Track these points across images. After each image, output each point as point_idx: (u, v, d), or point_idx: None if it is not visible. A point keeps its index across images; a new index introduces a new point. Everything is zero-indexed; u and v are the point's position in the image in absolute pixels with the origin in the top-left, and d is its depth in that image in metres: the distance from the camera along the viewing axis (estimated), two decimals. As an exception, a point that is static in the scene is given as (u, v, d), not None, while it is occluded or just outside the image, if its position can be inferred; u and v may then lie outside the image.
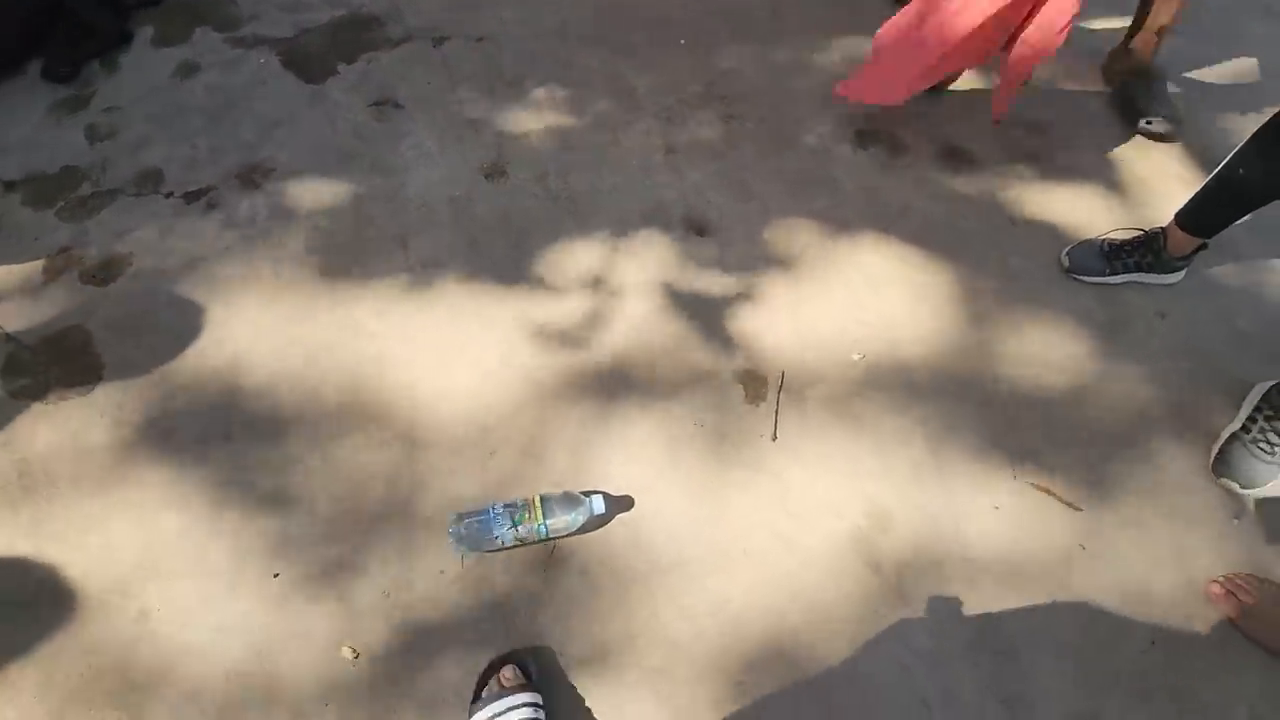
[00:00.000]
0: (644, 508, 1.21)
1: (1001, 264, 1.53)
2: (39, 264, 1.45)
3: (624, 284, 1.47)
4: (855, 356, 1.38)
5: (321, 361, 1.35)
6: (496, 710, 1.01)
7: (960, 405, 1.33)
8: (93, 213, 1.52)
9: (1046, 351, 1.40)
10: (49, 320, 1.38)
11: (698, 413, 1.31)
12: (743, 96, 1.79)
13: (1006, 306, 1.46)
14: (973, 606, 1.15)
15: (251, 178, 1.59)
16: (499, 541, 1.12)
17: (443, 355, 1.36)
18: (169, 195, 1.56)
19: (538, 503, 1.13)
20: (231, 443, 1.26)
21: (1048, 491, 1.25)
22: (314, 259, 1.48)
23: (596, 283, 1.47)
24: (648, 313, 1.43)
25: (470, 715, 1.02)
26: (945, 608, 1.14)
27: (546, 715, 1.02)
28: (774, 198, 1.61)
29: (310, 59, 1.81)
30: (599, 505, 1.15)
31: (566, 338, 1.39)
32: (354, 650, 1.08)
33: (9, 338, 1.35)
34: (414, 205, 1.56)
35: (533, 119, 1.72)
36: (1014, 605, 1.15)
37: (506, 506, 1.13)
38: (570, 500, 1.14)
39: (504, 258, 1.50)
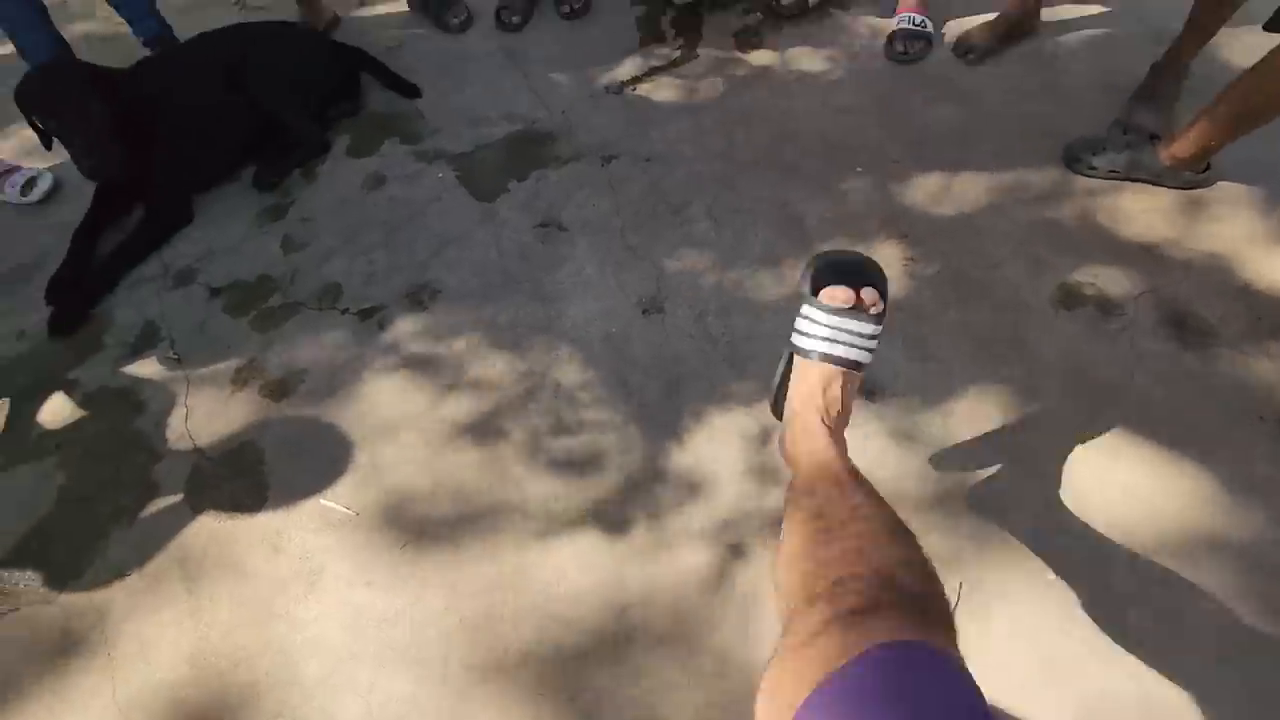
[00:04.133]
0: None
1: (1246, 474, 1.27)
2: (230, 373, 1.55)
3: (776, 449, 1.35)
4: (1050, 577, 1.18)
5: (468, 510, 1.33)
6: (852, 328, 0.90)
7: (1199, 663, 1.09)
8: (279, 324, 1.62)
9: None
10: (232, 433, 1.47)
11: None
12: (925, 235, 1.64)
13: (1258, 536, 1.20)
14: None
15: (419, 298, 1.64)
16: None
17: (590, 519, 1.30)
18: (345, 311, 1.63)
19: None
20: (372, 589, 1.26)
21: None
22: (467, 392, 1.48)
23: (749, 442, 1.36)
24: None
25: (811, 308, 0.92)
26: None
27: None
28: (957, 360, 1.45)
29: (484, 175, 1.86)
30: None
31: (717, 503, 1.29)
32: None
33: (198, 450, 1.45)
34: (569, 339, 1.54)
35: (694, 249, 1.66)
36: None
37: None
38: None
39: (657, 405, 1.43)
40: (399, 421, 1.46)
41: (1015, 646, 1.12)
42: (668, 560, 1.25)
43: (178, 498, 1.39)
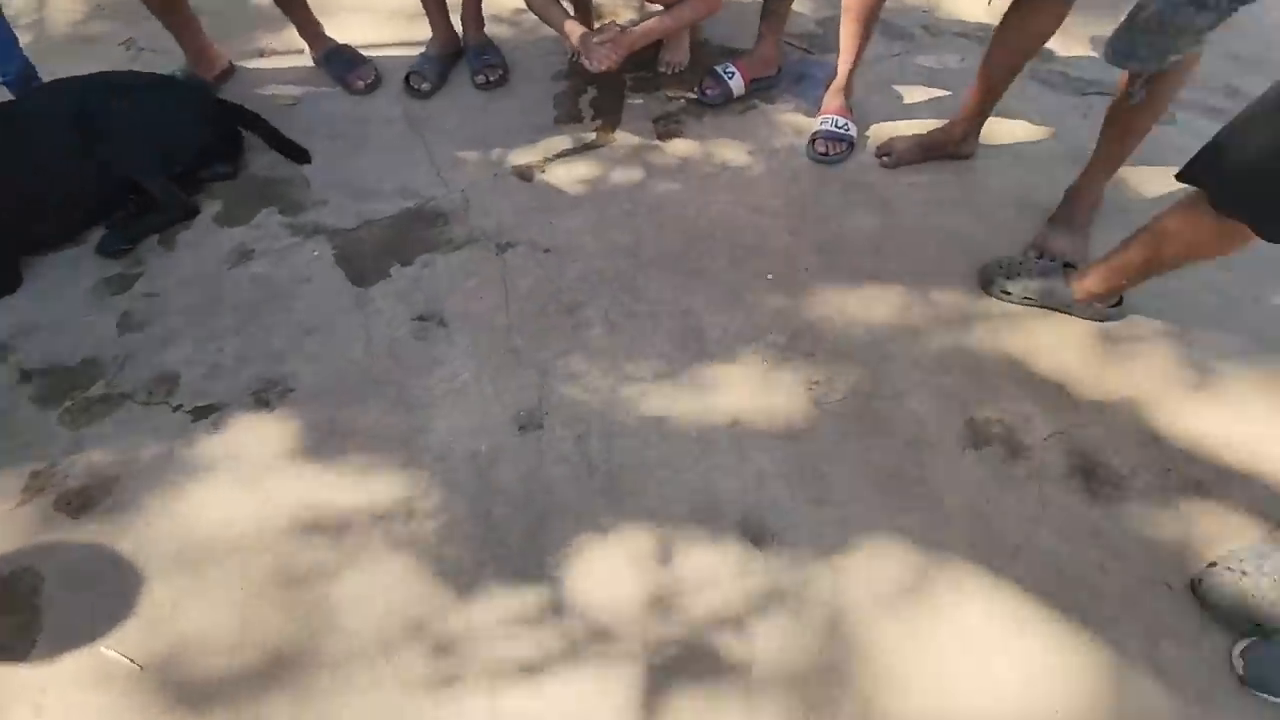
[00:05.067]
0: None
1: (1150, 650, 1.16)
2: (24, 479, 1.32)
3: (652, 607, 1.19)
4: (941, 780, 1.04)
5: (278, 667, 1.13)
6: None
7: None
8: (95, 420, 1.40)
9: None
10: (8, 554, 1.23)
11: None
12: (832, 357, 1.53)
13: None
14: None
15: (266, 397, 1.44)
16: None
17: (430, 677, 1.11)
18: (178, 408, 1.42)
19: None
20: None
21: None
22: (302, 516, 1.28)
23: (619, 600, 1.20)
24: (677, 654, 1.14)
25: None
26: None
27: None
28: (855, 504, 1.32)
29: (365, 256, 1.69)
30: None
31: (577, 666, 1.12)
32: None
33: (-42, 576, 1.21)
34: (431, 457, 1.36)
35: (584, 356, 1.52)
36: None
37: None
38: None
39: (519, 547, 1.26)
40: (214, 551, 1.24)
41: None
42: (505, 745, 1.06)
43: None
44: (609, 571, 1.23)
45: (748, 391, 1.47)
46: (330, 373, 1.48)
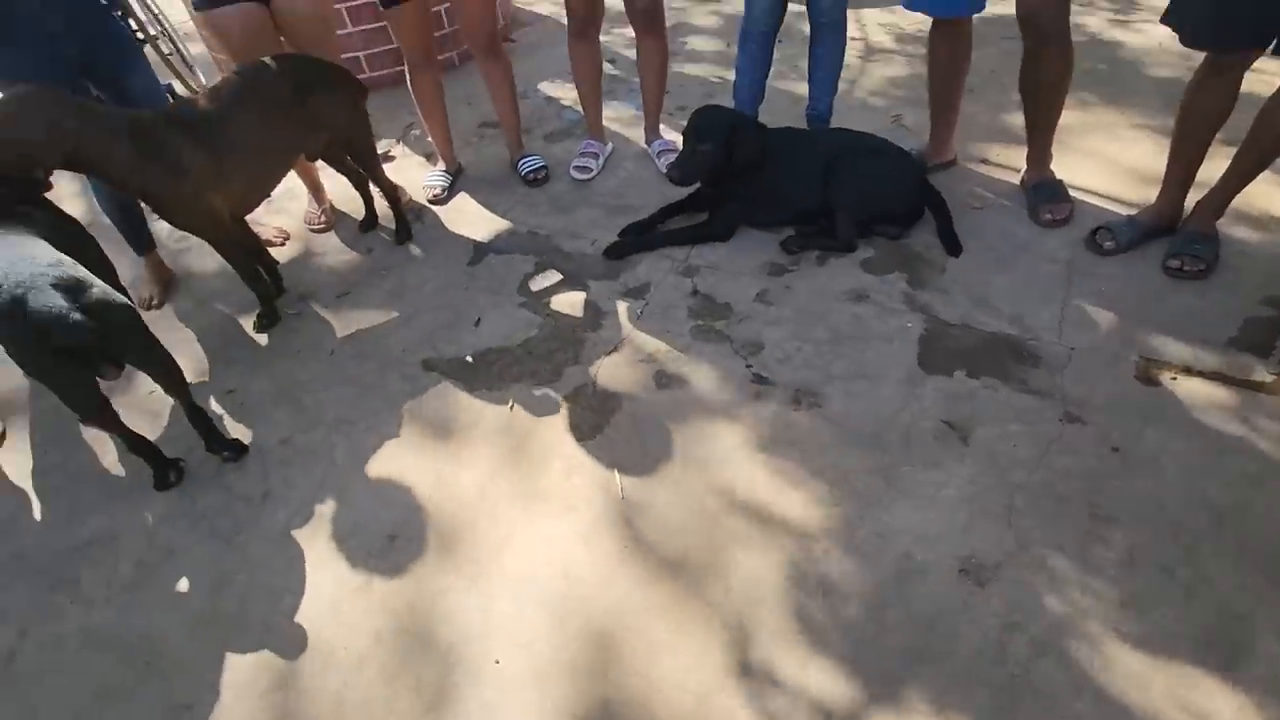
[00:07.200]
0: None
1: None
2: (661, 352, 1.96)
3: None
4: None
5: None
6: None
7: None
8: (705, 343, 1.96)
9: None
10: (614, 393, 1.88)
11: None
12: None
13: None
14: None
15: (800, 398, 1.76)
16: None
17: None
18: (749, 366, 1.86)
19: None
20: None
21: None
22: (776, 507, 1.58)
23: None
24: None
25: None
26: None
27: None
28: None
29: (942, 350, 1.83)
30: None
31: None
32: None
33: (590, 381, 1.90)
34: (869, 534, 1.48)
35: (1074, 568, 1.38)
36: None
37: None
38: None
39: (880, 668, 1.30)
40: (710, 476, 1.65)
41: None
42: None
43: (555, 394, 1.87)
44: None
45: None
46: (858, 412, 1.72)
